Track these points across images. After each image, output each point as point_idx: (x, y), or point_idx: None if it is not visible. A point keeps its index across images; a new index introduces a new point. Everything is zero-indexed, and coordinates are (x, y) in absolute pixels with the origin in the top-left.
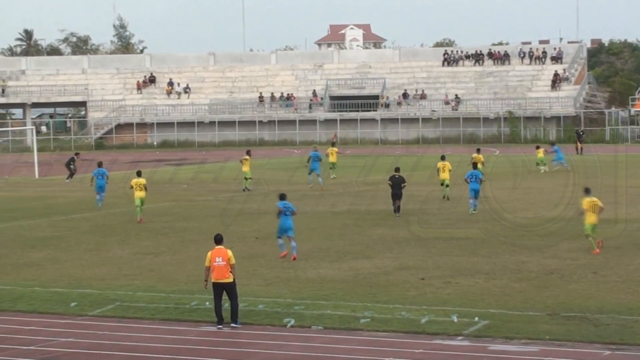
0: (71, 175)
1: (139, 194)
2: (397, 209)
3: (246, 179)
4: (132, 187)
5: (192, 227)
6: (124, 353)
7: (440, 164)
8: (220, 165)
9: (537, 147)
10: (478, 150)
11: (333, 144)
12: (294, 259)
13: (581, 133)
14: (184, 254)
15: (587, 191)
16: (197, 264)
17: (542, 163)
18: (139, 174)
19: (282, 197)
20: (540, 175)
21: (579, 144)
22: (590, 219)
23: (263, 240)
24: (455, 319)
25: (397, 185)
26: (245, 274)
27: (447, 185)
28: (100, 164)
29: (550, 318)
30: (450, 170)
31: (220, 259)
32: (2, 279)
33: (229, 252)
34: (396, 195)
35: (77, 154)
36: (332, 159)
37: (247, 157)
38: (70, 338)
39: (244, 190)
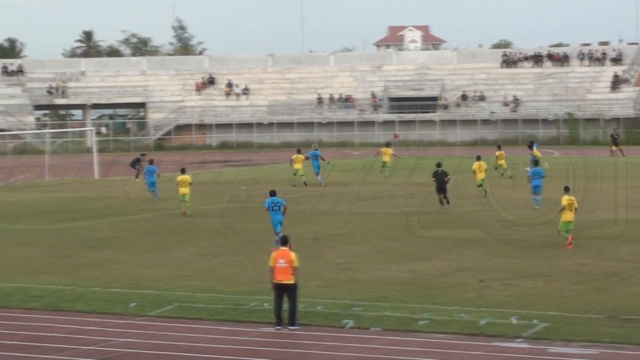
0: (137, 174)
1: (184, 190)
2: (441, 202)
3: (301, 175)
4: (178, 183)
5: (251, 228)
6: (182, 353)
7: (476, 165)
8: (284, 166)
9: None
10: (499, 147)
11: (387, 144)
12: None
13: (616, 137)
14: (242, 255)
15: (567, 189)
16: (256, 265)
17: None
18: (183, 171)
19: (272, 193)
20: (597, 177)
21: (614, 147)
22: (567, 216)
23: (322, 241)
24: (514, 321)
25: (440, 179)
26: (304, 275)
27: (481, 185)
28: (151, 162)
29: (610, 321)
30: (486, 170)
31: (283, 260)
32: (63, 279)
33: (293, 255)
34: (440, 189)
35: (143, 154)
36: (385, 158)
37: (299, 155)
38: (130, 338)
39: (304, 184)
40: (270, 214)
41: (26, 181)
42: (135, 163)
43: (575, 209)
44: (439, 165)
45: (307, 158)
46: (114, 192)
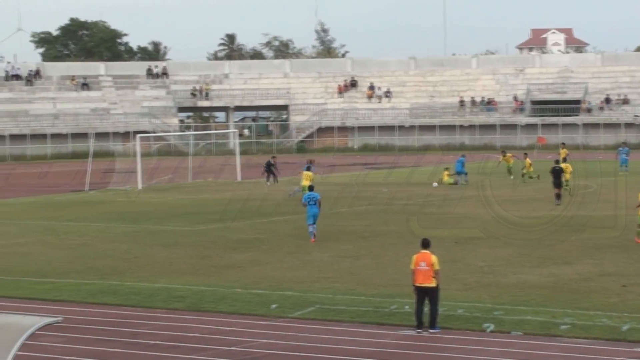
0: (269, 177)
1: (306, 183)
2: (558, 196)
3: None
4: (301, 177)
5: (392, 230)
6: (323, 355)
7: (563, 166)
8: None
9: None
10: (563, 144)
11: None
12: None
13: None
14: (383, 258)
15: None
16: (397, 268)
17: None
18: (308, 169)
19: (311, 188)
20: None
21: None
22: None
23: (462, 244)
24: None
25: (557, 175)
26: (445, 278)
27: (567, 185)
28: (311, 161)
29: None
30: (571, 172)
31: (424, 263)
32: (205, 280)
33: (434, 258)
34: (556, 184)
35: (274, 157)
36: (509, 162)
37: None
38: (271, 340)
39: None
40: (307, 208)
41: (169, 182)
42: (268, 166)
43: None
44: (557, 162)
45: (446, 169)
46: (256, 193)
